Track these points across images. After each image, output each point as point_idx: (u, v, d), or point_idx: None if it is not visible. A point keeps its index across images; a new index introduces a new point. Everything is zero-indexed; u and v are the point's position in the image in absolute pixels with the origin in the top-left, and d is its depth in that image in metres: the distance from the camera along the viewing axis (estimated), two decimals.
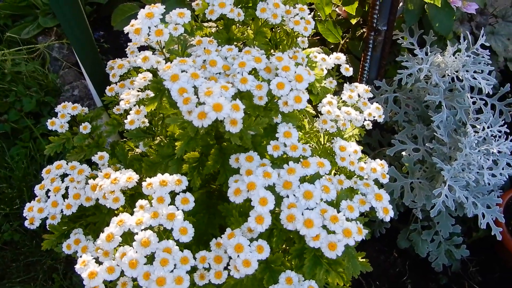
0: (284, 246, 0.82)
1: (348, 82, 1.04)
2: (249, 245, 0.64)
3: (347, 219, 0.65)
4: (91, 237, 0.88)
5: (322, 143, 0.99)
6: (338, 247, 0.62)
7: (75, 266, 0.70)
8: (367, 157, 0.96)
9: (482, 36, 1.25)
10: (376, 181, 0.88)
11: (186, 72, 0.70)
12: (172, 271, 0.65)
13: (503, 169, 1.10)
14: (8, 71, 1.86)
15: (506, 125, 1.21)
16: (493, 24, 1.74)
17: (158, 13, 0.72)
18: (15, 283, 1.34)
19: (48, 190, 0.88)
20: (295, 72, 0.72)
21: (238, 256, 0.63)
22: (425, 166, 1.20)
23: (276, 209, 0.69)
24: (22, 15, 2.17)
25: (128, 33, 0.75)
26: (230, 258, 0.65)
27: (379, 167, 0.88)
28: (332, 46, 1.45)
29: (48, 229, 0.93)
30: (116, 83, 1.02)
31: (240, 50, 0.82)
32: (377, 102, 1.17)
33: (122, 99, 0.90)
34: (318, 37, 1.47)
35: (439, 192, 1.05)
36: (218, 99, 0.64)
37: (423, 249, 1.26)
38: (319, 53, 1.29)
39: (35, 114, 1.76)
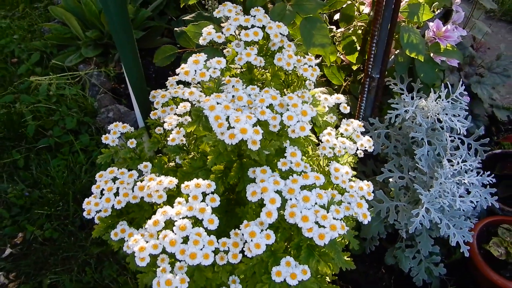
0: (285, 243, 1.04)
1: (346, 118, 1.28)
2: (260, 233, 0.86)
3: (334, 219, 0.87)
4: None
5: (322, 166, 1.22)
6: (326, 237, 0.84)
7: (126, 244, 0.93)
8: (358, 179, 1.18)
9: (462, 86, 1.49)
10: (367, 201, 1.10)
11: (220, 104, 0.95)
12: (201, 249, 0.87)
13: (472, 197, 1.32)
14: (53, 93, 2.14)
15: (481, 162, 1.43)
16: (480, 74, 1.99)
17: (202, 60, 0.97)
18: (52, 273, 1.56)
19: (102, 189, 1.12)
20: (302, 108, 0.96)
21: (251, 240, 0.86)
22: (409, 192, 1.42)
23: (281, 211, 0.92)
24: (66, 45, 2.48)
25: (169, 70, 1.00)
26: (245, 242, 0.87)
27: (365, 187, 1.11)
28: (336, 87, 1.70)
29: (96, 221, 1.16)
30: (156, 109, 1.27)
31: (260, 89, 1.07)
32: (370, 137, 1.41)
33: (165, 122, 1.15)
34: (325, 79, 1.72)
35: (417, 212, 1.26)
36: (244, 125, 0.89)
37: (406, 265, 1.46)
38: (324, 93, 1.55)
39: (75, 132, 2.02)
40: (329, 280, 1.19)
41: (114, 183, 1.12)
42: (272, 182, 0.90)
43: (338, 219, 0.88)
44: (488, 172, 1.47)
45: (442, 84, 1.44)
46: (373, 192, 1.10)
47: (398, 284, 1.56)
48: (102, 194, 1.12)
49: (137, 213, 1.14)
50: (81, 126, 2.05)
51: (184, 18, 1.51)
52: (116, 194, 1.10)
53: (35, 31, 2.68)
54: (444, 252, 1.54)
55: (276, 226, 0.96)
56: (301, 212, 0.86)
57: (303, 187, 0.91)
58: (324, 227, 0.85)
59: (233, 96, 1.01)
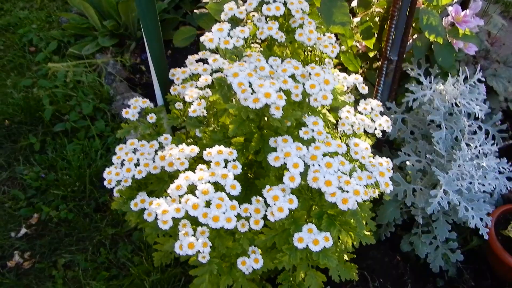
0: (306, 214, 1.04)
1: (370, 99, 1.28)
2: (283, 197, 0.86)
3: (357, 184, 0.87)
4: None
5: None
6: (350, 201, 0.84)
7: (149, 208, 0.94)
8: (377, 156, 1.18)
9: (479, 72, 1.49)
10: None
11: (243, 71, 0.96)
12: (224, 213, 0.88)
13: (491, 180, 1.31)
14: (70, 79, 2.17)
15: (497, 151, 1.43)
16: (495, 68, 1.98)
17: (226, 29, 0.98)
18: (67, 253, 1.57)
19: (123, 160, 1.12)
20: (324, 77, 0.96)
21: (274, 204, 0.86)
22: (426, 176, 1.41)
23: (302, 182, 0.92)
24: (83, 35, 2.51)
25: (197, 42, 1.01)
26: (267, 208, 0.88)
27: (385, 163, 1.10)
28: (353, 74, 1.70)
29: (115, 194, 1.17)
30: (178, 85, 1.28)
31: (281, 62, 1.07)
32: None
33: (186, 95, 1.16)
34: (341, 67, 1.72)
35: (435, 193, 1.26)
36: (268, 89, 0.89)
37: (422, 251, 1.45)
38: (344, 78, 1.55)
39: (90, 117, 2.04)
40: (347, 259, 1.19)
41: (135, 154, 1.13)
42: (295, 148, 0.90)
43: (360, 185, 0.88)
44: (505, 160, 1.46)
45: (460, 69, 1.44)
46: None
47: (413, 272, 1.54)
48: (122, 165, 1.12)
49: (156, 185, 1.14)
50: (96, 112, 2.07)
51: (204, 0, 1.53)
52: (137, 164, 1.11)
53: (53, 21, 2.72)
54: (461, 240, 1.53)
55: (298, 196, 0.96)
56: (324, 177, 0.86)
57: (325, 154, 0.91)
58: (347, 191, 0.85)
59: (255, 66, 1.01)
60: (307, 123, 0.97)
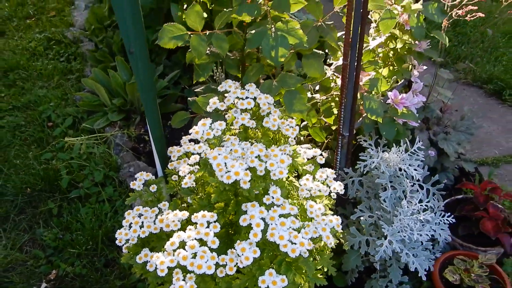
0: (270, 263, 1.34)
1: (326, 168, 1.62)
2: (249, 249, 1.17)
3: (303, 238, 1.18)
4: None
5: (303, 205, 1.54)
6: (296, 251, 1.15)
7: (150, 260, 1.24)
8: (329, 214, 1.49)
9: (419, 142, 1.83)
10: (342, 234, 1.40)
11: (221, 155, 1.30)
12: (206, 262, 1.18)
13: (427, 231, 1.61)
14: (83, 151, 2.53)
15: (444, 206, 1.75)
16: (447, 132, 2.33)
17: (208, 124, 1.34)
18: None
19: (130, 223, 1.44)
20: (280, 157, 1.31)
21: (242, 254, 1.17)
22: (377, 228, 1.71)
23: (266, 236, 1.23)
24: (95, 111, 2.91)
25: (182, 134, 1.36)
26: (238, 255, 1.18)
27: (335, 220, 1.42)
28: (319, 144, 2.05)
29: (124, 251, 1.47)
30: (174, 161, 1.62)
31: (251, 144, 1.42)
32: (346, 184, 1.75)
33: (180, 170, 1.50)
34: (310, 137, 2.08)
35: (381, 243, 1.56)
36: (237, 169, 1.23)
37: None
38: (309, 148, 1.90)
39: (101, 184, 2.37)
40: None
41: (140, 218, 1.45)
42: (258, 212, 1.22)
43: (306, 238, 1.19)
44: (449, 213, 1.78)
45: (401, 140, 1.79)
46: (347, 228, 1.41)
47: None
48: (130, 227, 1.44)
49: (156, 242, 1.45)
50: (106, 179, 2.40)
51: (195, 90, 1.91)
52: (141, 226, 1.42)
53: (68, 99, 3.13)
54: (414, 283, 1.80)
55: (263, 248, 1.27)
56: (278, 233, 1.18)
57: (281, 216, 1.24)
58: (295, 243, 1.16)
59: (231, 149, 1.36)
60: (269, 191, 1.30)
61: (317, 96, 1.96)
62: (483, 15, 1.89)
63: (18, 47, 3.80)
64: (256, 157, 1.34)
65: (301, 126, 2.08)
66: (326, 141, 2.04)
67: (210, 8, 1.67)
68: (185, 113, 1.81)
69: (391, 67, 1.96)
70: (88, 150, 2.53)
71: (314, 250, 1.44)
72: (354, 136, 2.00)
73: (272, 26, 1.38)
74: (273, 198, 1.29)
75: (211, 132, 1.36)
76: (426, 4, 1.68)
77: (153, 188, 1.57)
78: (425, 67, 2.09)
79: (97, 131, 2.70)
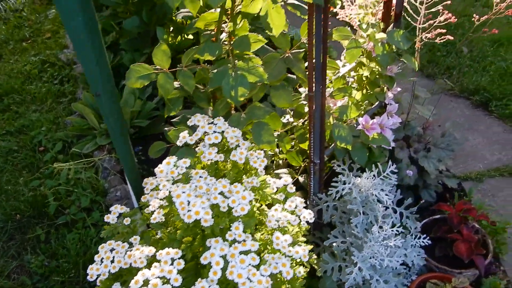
0: None
1: (296, 197, 1.65)
2: (209, 286, 1.21)
3: (262, 275, 1.22)
4: None
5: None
6: None
7: None
8: (296, 245, 1.52)
9: (392, 165, 1.85)
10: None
11: (185, 192, 1.34)
12: None
13: (397, 258, 1.63)
14: (71, 177, 2.58)
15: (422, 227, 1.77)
16: (429, 149, 2.34)
17: (172, 162, 1.38)
18: None
19: (102, 258, 1.48)
20: (242, 194, 1.34)
21: None
22: (350, 254, 1.74)
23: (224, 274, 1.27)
24: (84, 135, 2.96)
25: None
26: None
27: (301, 250, 1.45)
28: (297, 168, 2.08)
29: (98, 284, 1.51)
30: (147, 194, 1.67)
31: (218, 178, 1.46)
32: (320, 209, 1.78)
33: (151, 204, 1.54)
34: (288, 161, 2.11)
35: (350, 270, 1.58)
36: (197, 208, 1.27)
37: None
38: (285, 173, 1.94)
39: (88, 209, 2.42)
40: None
41: (111, 253, 1.49)
42: (218, 249, 1.26)
43: (265, 275, 1.23)
44: (424, 235, 1.80)
45: (373, 166, 1.81)
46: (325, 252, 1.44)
47: None
48: (102, 261, 1.48)
49: (127, 277, 1.49)
50: (93, 204, 2.45)
51: (172, 120, 1.95)
52: (112, 261, 1.46)
53: (60, 123, 3.19)
54: None
55: (226, 285, 1.30)
56: (237, 270, 1.21)
57: (242, 253, 1.27)
58: (253, 282, 1.19)
59: (196, 186, 1.40)
60: (232, 227, 1.33)
61: (292, 120, 1.99)
62: (452, 37, 1.91)
63: (13, 71, 3.88)
64: (220, 193, 1.37)
65: (279, 150, 2.11)
66: (303, 165, 2.07)
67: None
68: (161, 143, 1.85)
69: (364, 91, 1.99)
70: (76, 176, 2.58)
71: (285, 280, 1.47)
72: (329, 160, 2.03)
73: (234, 64, 1.42)
74: (235, 234, 1.32)
75: (175, 170, 1.39)
76: (392, 32, 1.71)
77: (127, 221, 1.61)
78: (399, 89, 2.12)
79: (85, 156, 2.76)
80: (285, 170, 2.04)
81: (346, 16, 1.95)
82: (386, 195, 1.74)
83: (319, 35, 1.43)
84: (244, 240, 1.31)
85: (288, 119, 2.06)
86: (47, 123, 3.18)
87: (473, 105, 3.21)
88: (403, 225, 1.85)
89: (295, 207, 1.60)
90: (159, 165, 1.42)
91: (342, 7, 1.96)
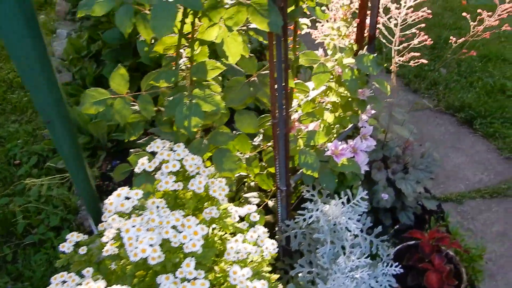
0: None
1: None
2: None
3: None
4: None
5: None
6: None
7: None
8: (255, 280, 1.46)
9: (363, 192, 1.80)
10: None
11: (134, 227, 1.28)
12: None
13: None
14: (43, 194, 2.52)
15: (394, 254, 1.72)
16: (407, 170, 2.29)
17: (123, 194, 1.33)
18: None
19: None
20: (194, 229, 1.29)
21: None
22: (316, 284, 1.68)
23: None
24: None
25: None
26: None
27: (260, 285, 1.39)
28: (268, 191, 2.03)
29: None
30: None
31: (175, 209, 1.40)
32: (288, 236, 1.73)
33: (105, 235, 1.48)
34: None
35: None
36: (144, 245, 1.21)
37: None
38: (255, 197, 1.88)
39: (58, 228, 2.36)
40: None
41: (63, 285, 1.44)
42: (168, 287, 1.20)
43: None
44: (397, 263, 1.74)
45: (342, 192, 1.75)
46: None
47: None
48: None
49: None
50: (64, 222, 2.40)
51: (138, 142, 1.90)
52: None
53: (37, 135, 3.14)
54: None
55: None
56: None
57: None
58: None
59: (148, 218, 1.34)
60: (182, 264, 1.28)
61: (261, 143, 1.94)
62: (426, 61, 1.86)
63: None
64: (172, 227, 1.32)
65: None
66: (274, 188, 2.01)
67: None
68: (126, 166, 1.79)
69: (337, 113, 1.94)
70: (48, 192, 2.52)
71: None
72: (302, 183, 1.97)
73: (191, 92, 1.37)
74: (186, 271, 1.26)
75: (126, 203, 1.34)
76: (361, 56, 1.66)
77: (83, 250, 1.55)
78: (373, 111, 2.06)
79: (60, 171, 2.70)
80: (255, 193, 1.98)
81: (319, 37, 1.90)
82: (355, 223, 1.69)
83: (280, 62, 1.38)
84: (196, 278, 1.25)
85: (260, 141, 2.01)
86: (25, 135, 3.12)
87: (458, 122, 3.16)
88: (374, 253, 1.80)
89: (257, 237, 1.54)
90: (109, 197, 1.36)
91: (315, 28, 1.91)
